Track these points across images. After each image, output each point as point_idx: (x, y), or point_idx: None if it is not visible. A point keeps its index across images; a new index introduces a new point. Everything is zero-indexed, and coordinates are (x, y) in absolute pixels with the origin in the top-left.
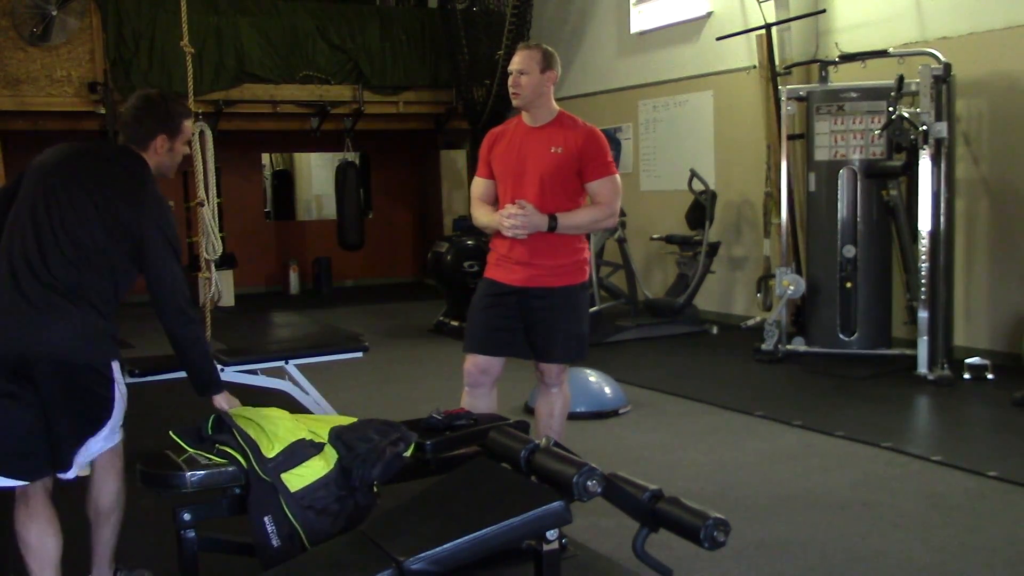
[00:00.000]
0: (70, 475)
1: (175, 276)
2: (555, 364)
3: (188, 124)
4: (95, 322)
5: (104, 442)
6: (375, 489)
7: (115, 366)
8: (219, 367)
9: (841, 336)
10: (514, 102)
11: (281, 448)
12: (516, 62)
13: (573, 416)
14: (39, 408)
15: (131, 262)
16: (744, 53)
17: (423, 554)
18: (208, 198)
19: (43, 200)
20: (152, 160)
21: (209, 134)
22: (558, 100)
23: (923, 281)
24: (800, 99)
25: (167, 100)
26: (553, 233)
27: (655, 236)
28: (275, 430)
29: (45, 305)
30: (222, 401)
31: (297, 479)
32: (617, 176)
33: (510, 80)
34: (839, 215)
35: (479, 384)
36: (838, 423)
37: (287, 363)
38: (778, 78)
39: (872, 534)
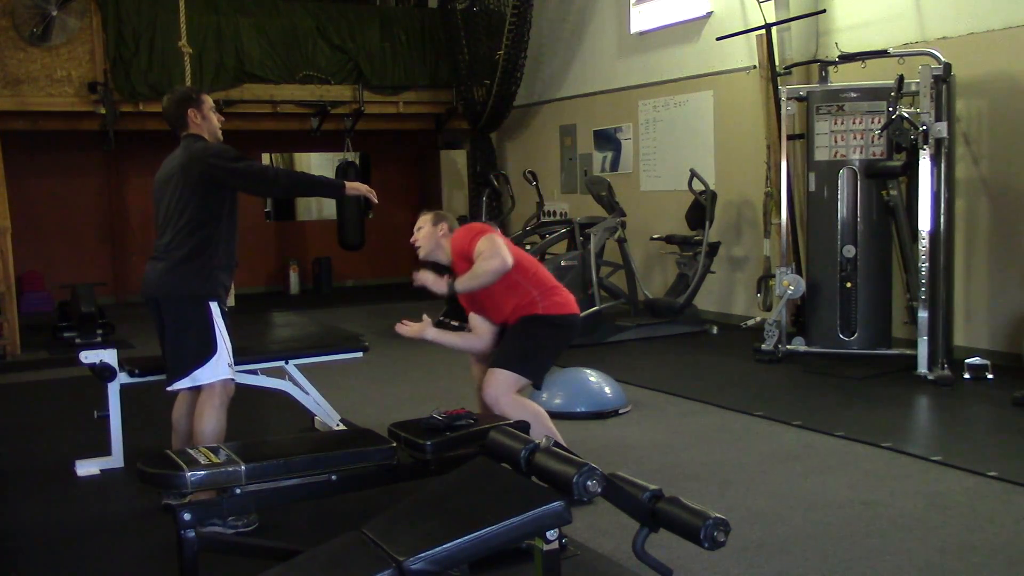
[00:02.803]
0: (173, 387)
1: (244, 175)
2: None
3: (204, 96)
4: (184, 270)
5: (218, 376)
6: None
7: (214, 307)
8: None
9: (841, 336)
10: (419, 255)
11: None
12: (417, 223)
13: (573, 416)
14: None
15: (214, 209)
16: (744, 53)
17: (423, 554)
18: None
19: (154, 203)
20: (198, 131)
21: None
22: (559, 100)
23: (923, 281)
24: (800, 99)
25: (179, 89)
26: (499, 303)
27: (655, 236)
28: None
29: (158, 260)
30: (354, 189)
31: None
32: (485, 237)
33: (412, 238)
34: (839, 215)
35: None
36: (838, 423)
37: (287, 363)
38: (778, 78)
39: (872, 534)
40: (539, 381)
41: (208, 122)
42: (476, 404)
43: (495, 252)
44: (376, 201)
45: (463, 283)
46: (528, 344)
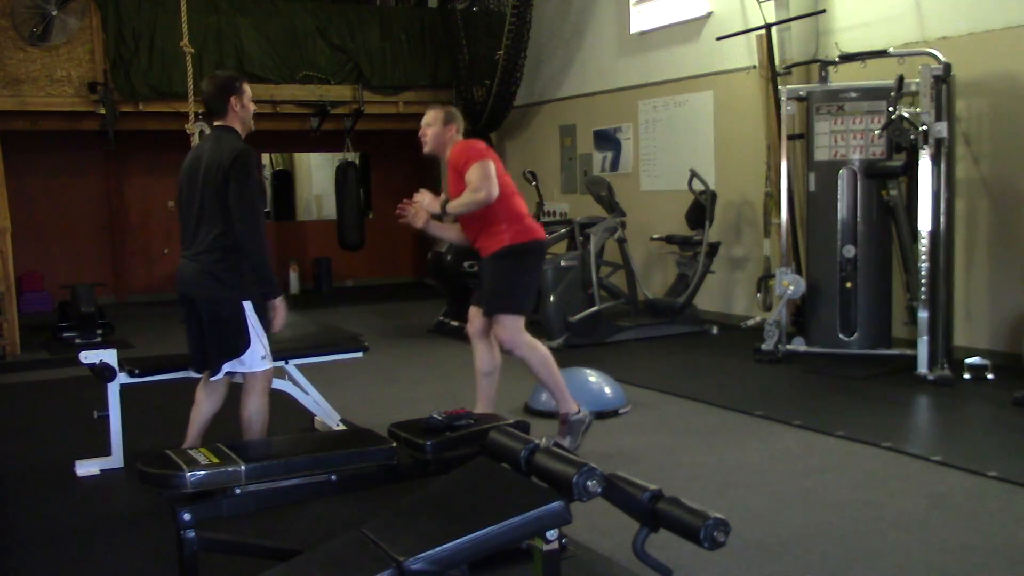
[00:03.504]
0: (216, 377)
1: (242, 207)
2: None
3: (246, 85)
4: (216, 268)
5: (244, 366)
6: None
7: (247, 306)
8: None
9: (841, 336)
10: (424, 149)
11: None
12: (425, 117)
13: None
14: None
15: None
16: (744, 53)
17: (423, 554)
18: None
19: (178, 195)
20: (232, 120)
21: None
22: (559, 100)
23: (923, 281)
24: (800, 99)
25: (221, 75)
26: (474, 221)
27: (655, 236)
28: None
29: (192, 261)
30: (274, 308)
31: None
32: (479, 163)
33: (421, 132)
34: (839, 215)
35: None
36: (838, 423)
37: (287, 363)
38: (778, 78)
39: (872, 534)
40: (529, 309)
41: (246, 111)
42: (476, 403)
43: (482, 184)
44: (275, 330)
45: (454, 207)
46: (508, 283)
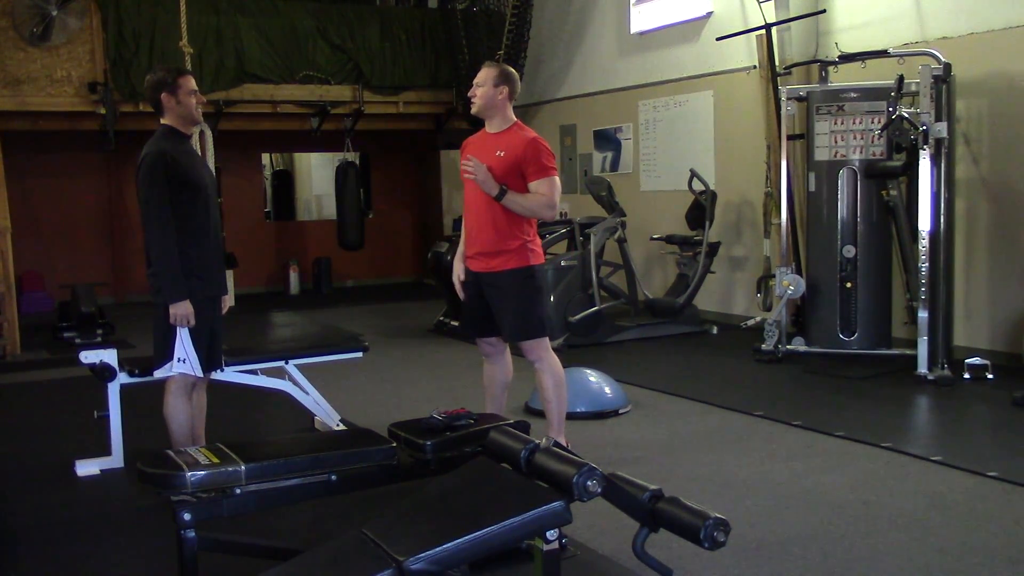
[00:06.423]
0: (156, 375)
1: (144, 212)
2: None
3: (183, 79)
4: (149, 274)
5: (171, 370)
6: None
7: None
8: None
9: (841, 336)
10: (472, 109)
11: None
12: (478, 76)
13: (573, 416)
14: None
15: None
16: (744, 53)
17: (423, 554)
18: None
19: None
20: (170, 118)
21: (209, 134)
22: (559, 100)
23: (923, 281)
24: (800, 99)
25: (158, 70)
26: (495, 224)
27: (655, 236)
28: None
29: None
30: (178, 310)
31: None
32: (555, 178)
33: (471, 91)
34: (839, 215)
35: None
36: (838, 423)
37: (287, 363)
38: (778, 78)
39: (872, 534)
40: (550, 328)
41: (183, 106)
42: (479, 403)
43: (554, 202)
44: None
45: (511, 201)
46: (534, 309)
